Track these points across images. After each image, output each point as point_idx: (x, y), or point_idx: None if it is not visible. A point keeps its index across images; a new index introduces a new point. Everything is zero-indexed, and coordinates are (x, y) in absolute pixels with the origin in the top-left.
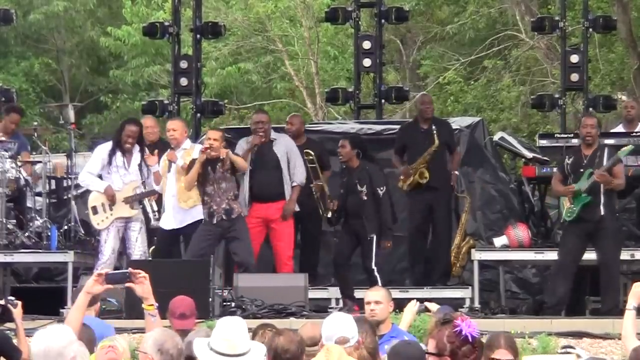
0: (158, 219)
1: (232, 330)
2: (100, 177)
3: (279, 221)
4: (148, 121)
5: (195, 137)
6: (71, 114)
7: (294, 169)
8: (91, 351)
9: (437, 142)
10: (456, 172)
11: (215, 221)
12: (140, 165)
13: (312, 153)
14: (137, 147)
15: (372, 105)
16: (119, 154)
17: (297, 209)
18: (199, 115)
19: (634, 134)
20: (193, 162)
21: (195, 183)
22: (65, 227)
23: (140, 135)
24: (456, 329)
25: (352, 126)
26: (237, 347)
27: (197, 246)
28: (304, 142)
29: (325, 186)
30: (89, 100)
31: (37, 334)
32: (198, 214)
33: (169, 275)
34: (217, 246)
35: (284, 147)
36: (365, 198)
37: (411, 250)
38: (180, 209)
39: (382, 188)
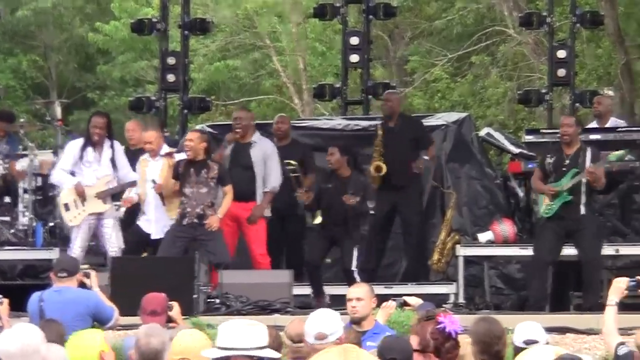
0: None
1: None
2: (73, 173)
3: (246, 223)
4: (129, 125)
5: (182, 133)
6: (58, 111)
7: (269, 175)
8: (61, 344)
9: (379, 133)
10: (425, 158)
11: (185, 222)
12: (112, 160)
13: (294, 162)
14: (108, 142)
15: (360, 101)
16: (90, 149)
17: (267, 214)
18: (186, 111)
19: (619, 129)
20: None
21: (173, 187)
22: (51, 224)
23: (109, 127)
24: (439, 326)
25: (338, 122)
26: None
27: (168, 246)
28: (288, 142)
29: (310, 194)
30: (76, 96)
31: (3, 334)
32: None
33: (153, 273)
34: (186, 248)
35: (262, 152)
36: (356, 209)
37: (369, 248)
38: (163, 219)
39: (372, 202)
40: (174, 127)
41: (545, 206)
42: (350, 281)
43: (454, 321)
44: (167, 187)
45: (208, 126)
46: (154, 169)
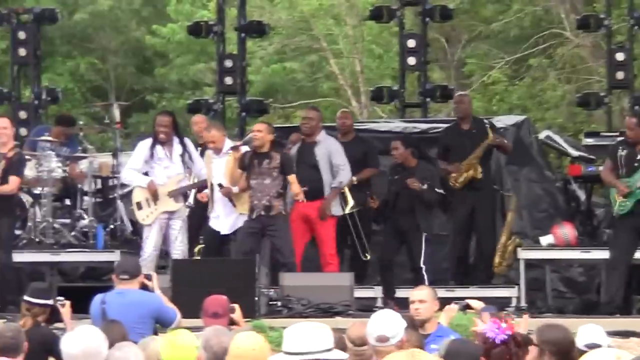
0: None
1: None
2: (145, 173)
3: (318, 221)
4: (197, 118)
5: (241, 135)
6: (116, 113)
7: (337, 171)
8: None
9: (490, 135)
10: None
11: (254, 216)
12: (182, 156)
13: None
14: (176, 140)
15: (417, 104)
16: (159, 147)
17: (337, 212)
18: (243, 114)
19: None
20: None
21: (240, 179)
22: (112, 227)
23: (175, 125)
24: (485, 332)
25: (397, 125)
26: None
27: (242, 242)
28: (352, 138)
29: (377, 200)
30: (135, 99)
31: (66, 336)
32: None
33: (214, 275)
34: (262, 242)
35: (326, 149)
36: (424, 196)
37: (453, 251)
38: (232, 214)
39: (440, 189)
40: (232, 131)
41: (619, 203)
42: (418, 280)
43: (500, 327)
44: (234, 179)
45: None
46: (219, 166)
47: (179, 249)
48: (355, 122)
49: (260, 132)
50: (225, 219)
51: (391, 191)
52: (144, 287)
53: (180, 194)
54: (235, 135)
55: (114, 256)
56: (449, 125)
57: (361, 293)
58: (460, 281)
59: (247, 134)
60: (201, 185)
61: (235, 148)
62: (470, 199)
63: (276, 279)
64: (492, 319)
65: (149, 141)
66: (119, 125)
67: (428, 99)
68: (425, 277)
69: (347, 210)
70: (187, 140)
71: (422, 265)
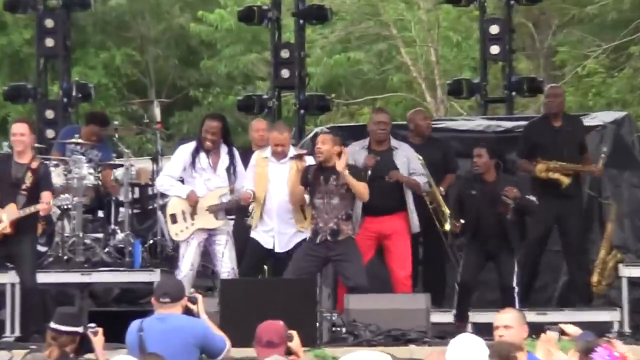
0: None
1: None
2: (182, 181)
3: (393, 237)
4: (259, 124)
5: (299, 136)
6: (157, 112)
7: (416, 178)
8: None
9: (600, 167)
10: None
11: (318, 240)
12: (228, 169)
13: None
14: (224, 148)
15: (502, 99)
16: (203, 154)
17: (416, 229)
18: (302, 111)
19: None
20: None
21: (302, 196)
22: (151, 242)
23: (225, 132)
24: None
25: (479, 123)
26: None
27: (297, 266)
28: (427, 140)
29: (438, 195)
30: (177, 95)
31: None
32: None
33: (269, 297)
34: (321, 268)
35: (406, 157)
36: (509, 215)
37: (526, 266)
38: (289, 228)
39: (534, 199)
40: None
41: None
42: (507, 301)
43: (612, 355)
44: (295, 195)
45: (329, 128)
46: (278, 173)
47: (227, 267)
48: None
49: (324, 144)
50: (279, 236)
51: (467, 208)
52: (188, 311)
53: (222, 210)
54: (293, 137)
55: (154, 276)
56: (533, 120)
57: (439, 317)
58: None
59: (306, 136)
60: (243, 204)
61: (299, 157)
62: (555, 209)
63: (341, 301)
64: (602, 345)
65: (191, 145)
66: (160, 126)
67: (514, 93)
68: (517, 299)
69: (447, 227)
70: (236, 152)
71: (514, 285)
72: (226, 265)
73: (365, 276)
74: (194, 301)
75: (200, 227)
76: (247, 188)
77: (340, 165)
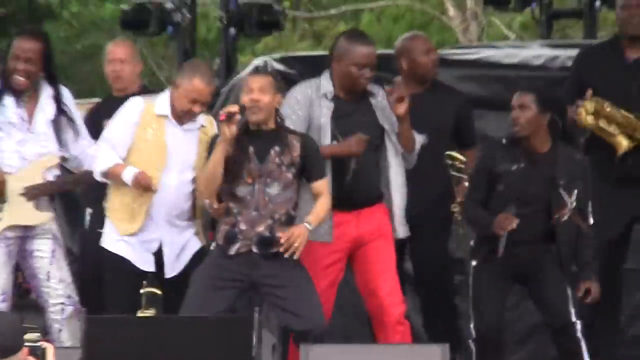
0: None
1: None
2: None
3: (376, 244)
4: (115, 49)
5: (225, 73)
6: None
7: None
8: None
9: None
10: None
11: (234, 251)
12: (56, 123)
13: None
14: (47, 89)
15: (577, 12)
16: (9, 100)
17: (404, 233)
18: (232, 30)
19: None
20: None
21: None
22: None
23: (48, 61)
24: None
25: (535, 52)
26: None
27: (199, 297)
28: (427, 87)
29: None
30: (19, 2)
31: None
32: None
33: (170, 349)
34: (237, 300)
35: (387, 110)
36: (565, 216)
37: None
38: (181, 238)
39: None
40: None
41: None
42: (567, 346)
43: None
44: (215, 181)
45: (276, 60)
46: (180, 145)
47: (58, 297)
48: (452, 48)
49: (261, 93)
50: (170, 247)
51: (508, 191)
52: None
53: (45, 193)
54: (216, 72)
55: None
56: (593, 45)
57: None
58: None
59: (237, 74)
60: (85, 181)
61: (229, 117)
62: (630, 205)
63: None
64: None
65: None
66: None
67: (597, 2)
68: (584, 344)
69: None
70: (66, 93)
71: (574, 319)
72: (55, 293)
73: (321, 314)
74: (39, 355)
75: (10, 225)
76: (109, 159)
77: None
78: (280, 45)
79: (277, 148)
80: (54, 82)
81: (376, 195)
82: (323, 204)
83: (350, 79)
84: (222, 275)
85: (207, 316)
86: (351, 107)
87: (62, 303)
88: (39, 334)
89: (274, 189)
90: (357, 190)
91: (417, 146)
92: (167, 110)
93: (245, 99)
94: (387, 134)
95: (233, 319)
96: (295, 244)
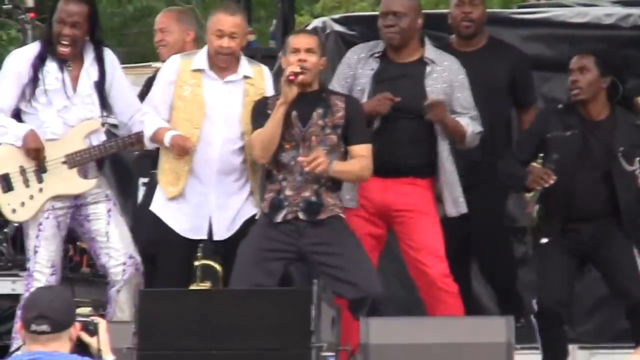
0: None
1: None
2: (17, 116)
3: (411, 215)
4: (159, 19)
5: (282, 36)
6: None
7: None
8: None
9: None
10: None
11: (281, 219)
12: (99, 87)
13: None
14: (90, 51)
15: None
16: (52, 65)
17: (456, 211)
18: None
19: None
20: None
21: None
22: (15, 225)
23: (94, 24)
24: None
25: (608, 11)
26: None
27: (247, 269)
28: (482, 44)
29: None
30: None
31: None
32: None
33: (224, 322)
34: (287, 270)
35: (446, 80)
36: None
37: None
38: (230, 204)
39: None
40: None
41: None
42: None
43: None
44: (273, 143)
45: (336, 21)
46: (222, 99)
47: (119, 257)
48: (514, 8)
49: (309, 54)
50: (219, 213)
51: (566, 162)
52: (82, 348)
53: (90, 160)
54: (272, 32)
55: (20, 285)
56: None
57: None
58: None
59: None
60: (133, 143)
61: (294, 76)
62: None
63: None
64: None
65: (31, 51)
66: (34, 15)
67: None
68: None
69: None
70: (111, 56)
71: None
72: (116, 253)
73: (376, 279)
74: (91, 330)
75: (54, 195)
76: (154, 123)
77: (320, 169)
78: (340, 4)
79: (319, 110)
80: (99, 45)
81: (409, 166)
82: (360, 162)
83: (381, 32)
84: (269, 246)
85: (265, 289)
86: (398, 70)
87: (124, 263)
88: (90, 309)
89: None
90: (381, 157)
91: (471, 137)
92: (204, 64)
93: (291, 59)
94: None
95: (291, 292)
96: (315, 163)
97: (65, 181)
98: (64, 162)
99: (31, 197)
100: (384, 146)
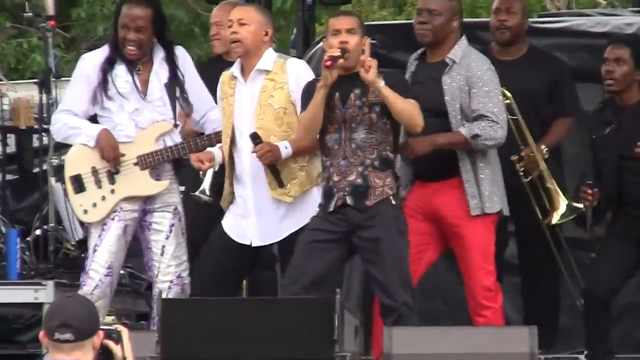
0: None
1: None
2: (94, 118)
3: (464, 220)
4: (216, 11)
5: (303, 44)
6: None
7: (480, 121)
8: None
9: None
10: None
11: (332, 207)
12: (170, 88)
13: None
14: (160, 52)
15: None
16: (121, 68)
17: (496, 207)
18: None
19: None
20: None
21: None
22: (38, 232)
23: (162, 25)
24: None
25: (629, 21)
26: None
27: (302, 265)
28: (522, 53)
29: (540, 159)
30: None
31: None
32: (311, 208)
33: (247, 332)
34: (343, 261)
35: (463, 79)
36: None
37: None
38: (274, 207)
39: None
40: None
41: None
42: None
43: None
44: (306, 125)
45: (370, 26)
46: (245, 102)
47: (167, 274)
48: (532, 19)
49: (350, 35)
50: (257, 217)
51: (606, 163)
52: (106, 356)
53: (166, 161)
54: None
55: (43, 294)
56: None
57: None
58: None
59: (316, 43)
60: (209, 143)
61: (334, 61)
62: None
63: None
64: None
65: (100, 54)
66: (54, 23)
67: None
68: None
69: (557, 220)
70: (183, 54)
71: None
72: (166, 270)
73: (411, 287)
74: (115, 338)
75: (126, 196)
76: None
77: (371, 74)
78: (360, 13)
79: (357, 91)
80: (169, 46)
81: (440, 171)
82: (412, 102)
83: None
84: (323, 237)
85: (288, 297)
86: (425, 71)
87: (171, 281)
88: (114, 317)
89: (359, 134)
90: (415, 162)
91: (472, 141)
92: (237, 71)
93: (333, 41)
94: (449, 106)
95: (314, 301)
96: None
97: (137, 182)
98: (136, 164)
99: (103, 198)
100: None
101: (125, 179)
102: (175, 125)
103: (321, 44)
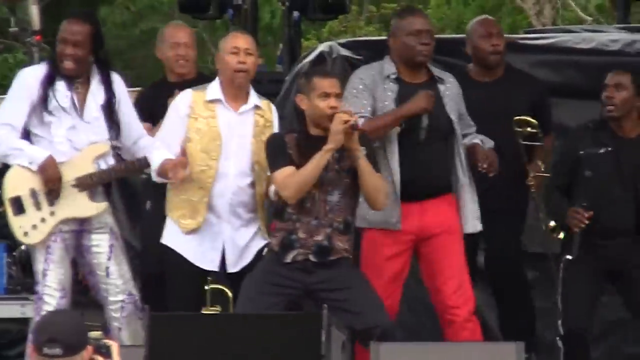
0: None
1: None
2: (28, 136)
3: (442, 239)
4: (179, 32)
5: (289, 60)
6: (34, 13)
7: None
8: None
9: None
10: None
11: (290, 259)
12: (107, 109)
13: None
14: (96, 74)
15: None
16: (60, 84)
17: (473, 228)
18: (296, 14)
19: None
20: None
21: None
22: (23, 248)
23: (99, 44)
24: None
25: (614, 37)
26: None
27: (254, 301)
28: (499, 75)
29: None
30: None
31: None
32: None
33: (237, 347)
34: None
35: (456, 95)
36: None
37: None
38: (242, 237)
39: None
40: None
41: None
42: None
43: None
44: (301, 184)
45: (342, 45)
46: (237, 130)
47: (117, 293)
48: (525, 31)
49: (337, 99)
50: (232, 244)
51: (597, 180)
52: None
53: (99, 183)
54: (278, 55)
55: (30, 309)
56: None
57: None
58: None
59: (301, 60)
60: (141, 169)
61: (353, 127)
62: None
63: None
64: None
65: (40, 70)
66: (39, 38)
67: None
68: None
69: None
70: (117, 78)
71: None
72: (115, 290)
73: (384, 310)
74: (104, 353)
75: (66, 218)
76: (161, 156)
77: (352, 141)
78: (346, 29)
79: (335, 154)
80: (104, 66)
81: (442, 186)
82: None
83: (408, 51)
84: (275, 281)
85: (275, 313)
86: (416, 90)
87: (122, 301)
88: (101, 332)
89: (334, 197)
90: (421, 179)
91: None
92: (220, 95)
93: (322, 105)
94: (454, 124)
95: (301, 316)
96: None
97: (77, 204)
98: (75, 185)
99: (43, 220)
100: (422, 170)
101: (64, 201)
102: (113, 147)
103: (308, 58)
